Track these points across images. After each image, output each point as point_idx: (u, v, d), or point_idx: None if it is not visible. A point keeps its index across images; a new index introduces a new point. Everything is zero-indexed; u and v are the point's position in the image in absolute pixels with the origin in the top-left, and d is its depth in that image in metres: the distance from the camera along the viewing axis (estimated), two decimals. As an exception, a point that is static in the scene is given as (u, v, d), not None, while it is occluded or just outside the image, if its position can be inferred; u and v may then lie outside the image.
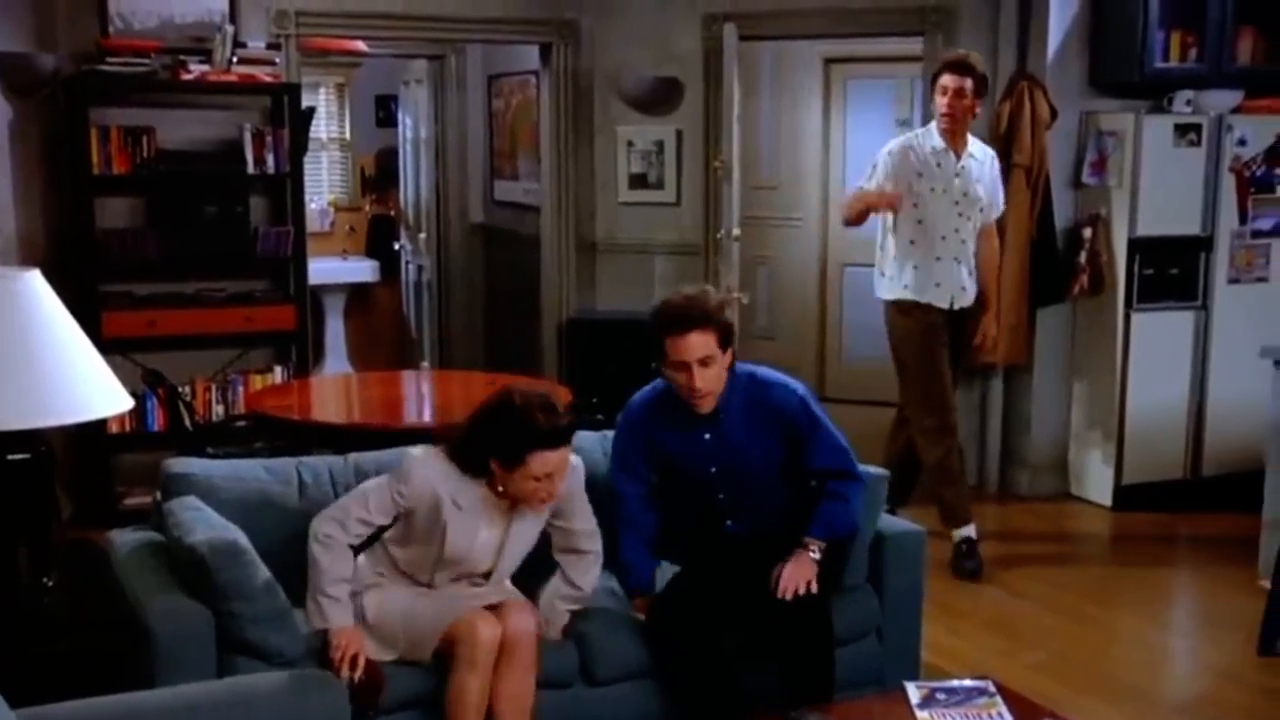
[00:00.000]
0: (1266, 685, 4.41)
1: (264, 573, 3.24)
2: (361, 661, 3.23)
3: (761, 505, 3.69)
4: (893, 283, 5.55)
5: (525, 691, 3.33)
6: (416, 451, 3.39)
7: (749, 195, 8.70)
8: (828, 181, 8.78)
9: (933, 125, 5.51)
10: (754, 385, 3.63)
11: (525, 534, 3.46)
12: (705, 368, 3.48)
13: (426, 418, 5.64)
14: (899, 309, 5.55)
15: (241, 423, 5.94)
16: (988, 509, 6.43)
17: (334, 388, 6.44)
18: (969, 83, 5.36)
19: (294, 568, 3.47)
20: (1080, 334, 6.53)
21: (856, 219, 5.54)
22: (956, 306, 5.50)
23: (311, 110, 7.09)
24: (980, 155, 5.55)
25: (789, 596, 3.47)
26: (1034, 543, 6.04)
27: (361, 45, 7.36)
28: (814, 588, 3.49)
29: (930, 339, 5.49)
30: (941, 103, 5.40)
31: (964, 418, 6.75)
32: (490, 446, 3.27)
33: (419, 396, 6.11)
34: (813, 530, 3.59)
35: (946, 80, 5.39)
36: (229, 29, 6.08)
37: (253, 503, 3.62)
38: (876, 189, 5.46)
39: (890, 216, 5.50)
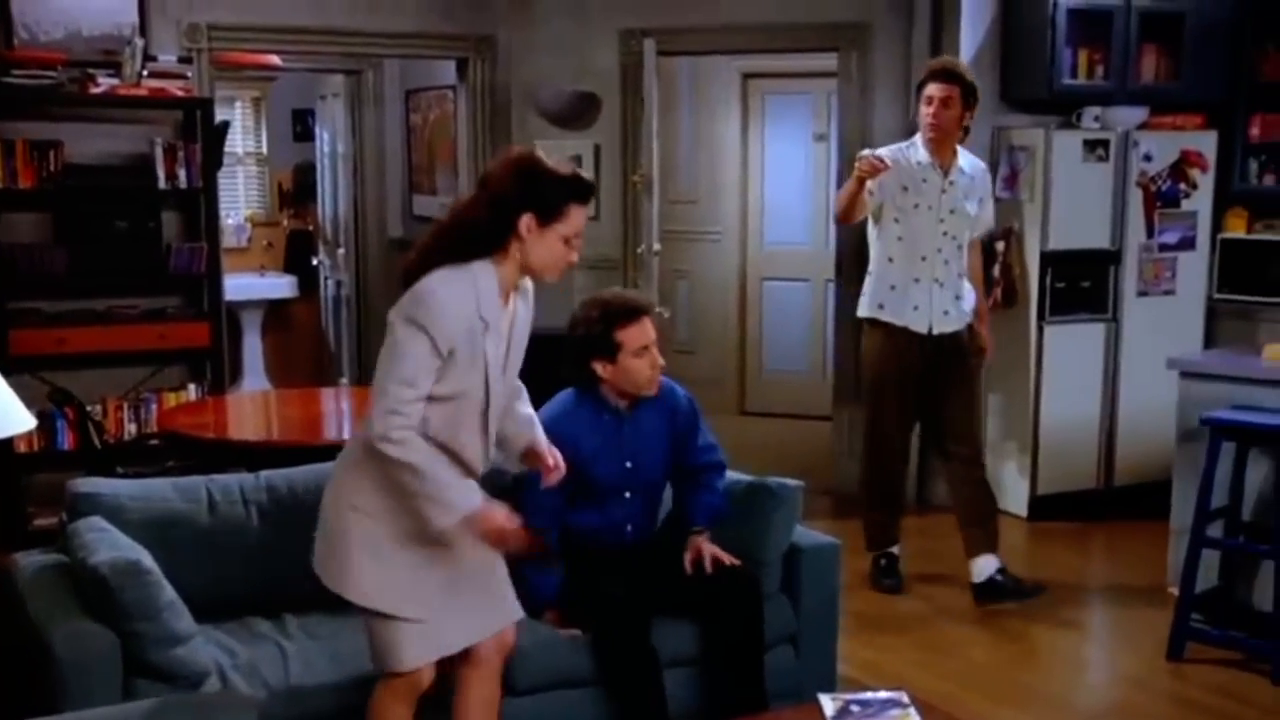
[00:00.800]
0: (1176, 691, 4.48)
1: (168, 592, 3.18)
2: (514, 535, 3.07)
3: (653, 507, 3.91)
4: (868, 300, 5.28)
5: (494, 696, 3.32)
6: (429, 284, 2.97)
7: (667, 209, 8.71)
8: (746, 195, 8.84)
9: (918, 137, 5.19)
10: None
11: (523, 331, 3.19)
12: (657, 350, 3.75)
13: (346, 434, 5.55)
14: (871, 326, 5.29)
15: (154, 441, 5.84)
16: (906, 521, 6.41)
17: (250, 405, 6.34)
18: (956, 91, 5.05)
19: (204, 586, 3.49)
20: (995, 346, 6.59)
21: (846, 207, 5.12)
22: (936, 332, 5.19)
23: (226, 125, 7.01)
24: (970, 169, 5.24)
25: (727, 562, 3.75)
26: (952, 554, 6.05)
27: (276, 60, 7.29)
28: (724, 558, 3.76)
29: (896, 364, 5.21)
30: (926, 113, 5.08)
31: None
32: (526, 202, 2.99)
33: (336, 413, 6.04)
34: (699, 521, 3.84)
35: (931, 89, 5.07)
36: (139, 42, 5.99)
37: (161, 522, 3.58)
38: (869, 195, 5.09)
39: (872, 229, 5.24)
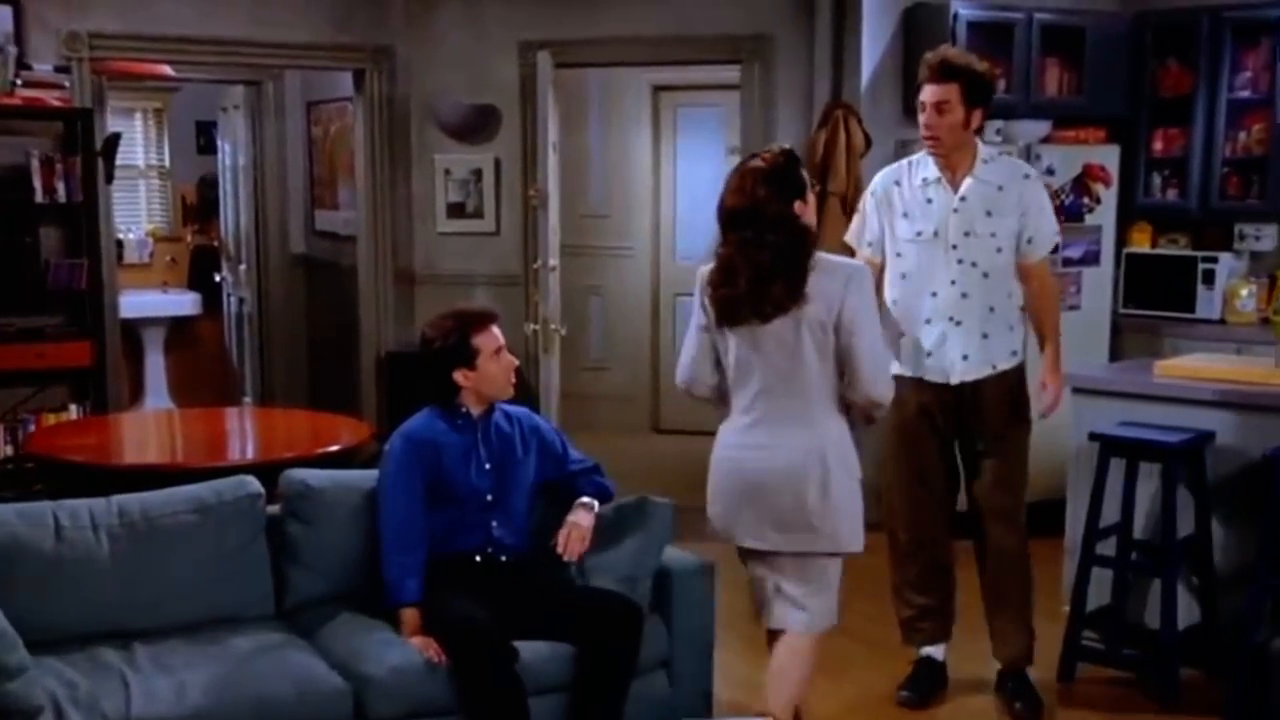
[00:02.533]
0: (1064, 711, 4.49)
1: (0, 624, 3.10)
2: None
3: (521, 522, 3.98)
4: None
5: None
6: (858, 265, 3.79)
7: (579, 224, 8.72)
8: (658, 210, 8.84)
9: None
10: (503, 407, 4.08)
11: None
12: None
13: (249, 454, 5.47)
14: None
15: (30, 464, 5.72)
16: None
17: (138, 426, 6.20)
18: (955, 89, 4.16)
19: (49, 615, 3.45)
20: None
21: None
22: (955, 381, 4.35)
23: (117, 136, 6.90)
24: (996, 178, 4.29)
25: (574, 556, 3.87)
26: (850, 575, 6.05)
27: (167, 70, 7.20)
28: (586, 544, 3.88)
29: (912, 425, 4.41)
30: (920, 121, 4.27)
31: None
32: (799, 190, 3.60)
33: (239, 433, 5.96)
34: (585, 490, 4.00)
35: (924, 93, 4.22)
36: (12, 50, 5.90)
37: (3, 549, 3.48)
38: (869, 248, 4.43)
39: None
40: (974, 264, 4.28)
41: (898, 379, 4.26)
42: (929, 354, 4.36)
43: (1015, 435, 4.45)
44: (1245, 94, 6.52)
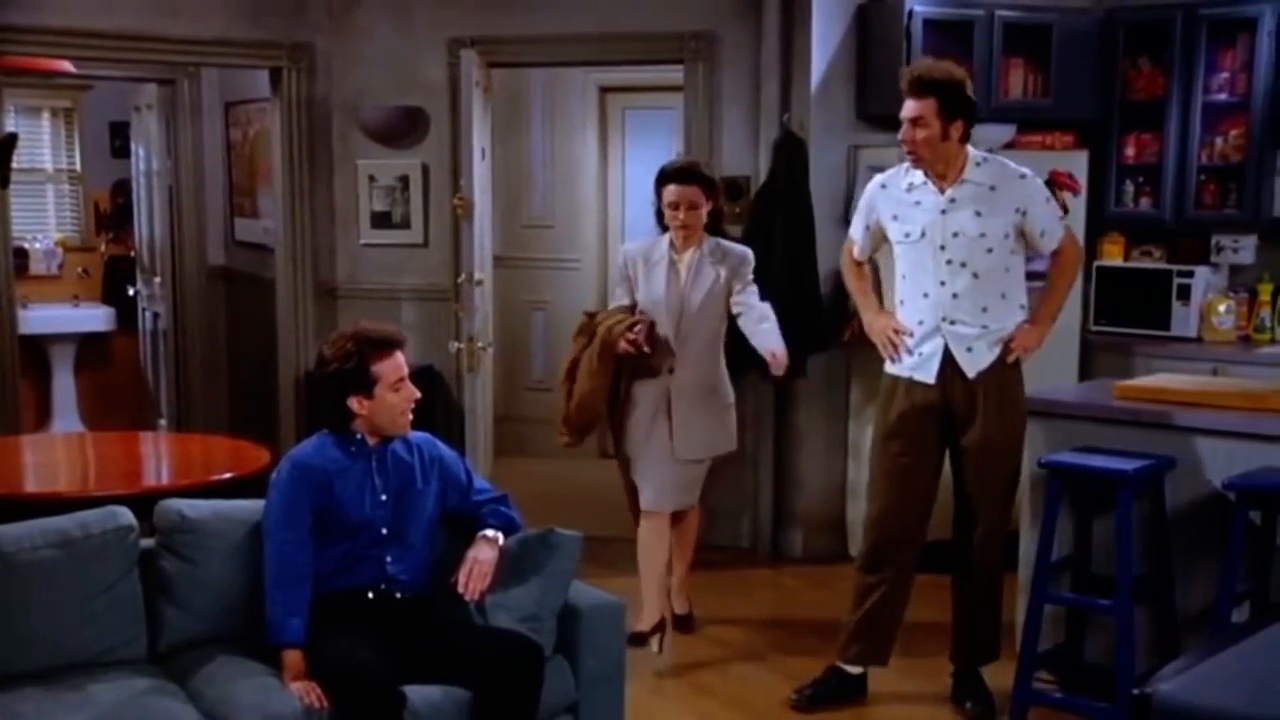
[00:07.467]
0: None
1: None
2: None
3: (422, 563, 3.94)
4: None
5: None
6: None
7: (520, 235, 8.72)
8: (606, 220, 8.81)
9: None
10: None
11: None
12: None
13: (145, 482, 5.39)
14: (883, 386, 4.86)
15: None
16: (759, 574, 6.48)
17: (11, 450, 6.02)
18: (931, 104, 4.51)
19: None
20: (855, 383, 6.61)
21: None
22: (971, 375, 4.65)
23: (14, 137, 6.83)
24: (988, 179, 4.61)
25: (475, 595, 3.82)
26: (800, 611, 6.05)
27: (67, 66, 7.14)
28: (488, 580, 3.84)
29: (899, 427, 4.75)
30: (900, 135, 4.62)
31: (739, 478, 6.75)
32: None
33: (119, 461, 5.87)
34: (489, 523, 3.97)
35: (904, 108, 4.58)
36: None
37: None
38: (859, 247, 4.92)
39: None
40: (963, 264, 4.58)
41: (892, 378, 4.79)
42: (920, 354, 4.68)
43: (1006, 436, 4.74)
44: (1222, 96, 6.53)
